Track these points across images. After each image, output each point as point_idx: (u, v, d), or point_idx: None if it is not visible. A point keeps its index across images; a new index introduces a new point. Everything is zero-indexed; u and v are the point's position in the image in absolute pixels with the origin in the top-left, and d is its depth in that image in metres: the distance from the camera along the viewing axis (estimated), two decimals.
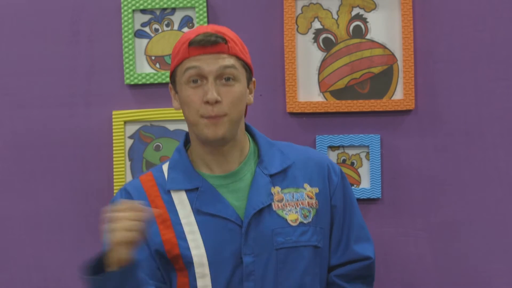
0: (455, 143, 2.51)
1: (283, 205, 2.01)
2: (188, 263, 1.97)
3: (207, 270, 1.97)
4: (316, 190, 2.04)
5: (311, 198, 2.03)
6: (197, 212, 1.99)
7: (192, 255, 1.97)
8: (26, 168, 2.64)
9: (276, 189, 2.01)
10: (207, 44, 1.94)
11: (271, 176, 2.01)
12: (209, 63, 1.94)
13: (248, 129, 2.10)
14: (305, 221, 2.01)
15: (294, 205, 2.01)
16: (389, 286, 2.54)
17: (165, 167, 2.06)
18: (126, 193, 2.03)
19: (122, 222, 1.80)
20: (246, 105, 2.04)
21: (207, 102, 1.92)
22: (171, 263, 2.00)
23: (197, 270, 1.97)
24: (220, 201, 1.99)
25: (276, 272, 1.98)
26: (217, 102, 1.92)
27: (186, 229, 1.98)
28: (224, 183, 2.01)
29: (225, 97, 1.94)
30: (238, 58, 1.97)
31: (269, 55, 2.55)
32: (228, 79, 1.95)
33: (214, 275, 1.97)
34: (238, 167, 2.02)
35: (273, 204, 2.00)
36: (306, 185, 2.04)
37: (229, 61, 1.95)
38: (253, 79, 2.06)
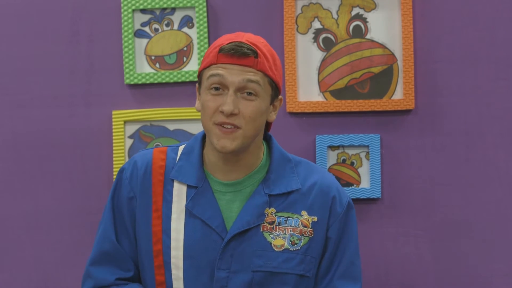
0: (455, 143, 2.51)
1: (273, 228, 1.97)
2: (166, 262, 1.97)
3: (181, 274, 1.96)
4: (314, 218, 2.00)
5: (305, 226, 1.99)
6: (188, 211, 1.98)
7: (171, 255, 1.97)
8: (26, 168, 2.64)
9: (270, 210, 1.98)
10: (236, 54, 1.91)
11: (271, 196, 1.98)
12: (233, 74, 1.91)
13: (268, 140, 2.06)
14: (291, 248, 1.97)
15: (285, 230, 1.98)
16: (389, 286, 2.54)
17: (180, 149, 2.05)
18: (135, 168, 2.03)
19: None
20: (270, 122, 2.02)
21: (222, 112, 1.90)
22: (152, 259, 1.99)
23: (173, 271, 1.97)
24: (213, 207, 1.97)
25: None
26: (232, 114, 1.90)
27: (173, 225, 1.98)
28: (223, 190, 1.99)
29: (243, 110, 1.91)
30: (265, 74, 1.94)
31: None
32: (250, 93, 1.92)
33: (188, 281, 1.96)
34: (242, 178, 1.99)
35: (262, 225, 1.97)
36: (303, 212, 2.00)
37: (254, 76, 1.92)
38: (280, 97, 2.02)
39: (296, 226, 1.98)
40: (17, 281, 2.65)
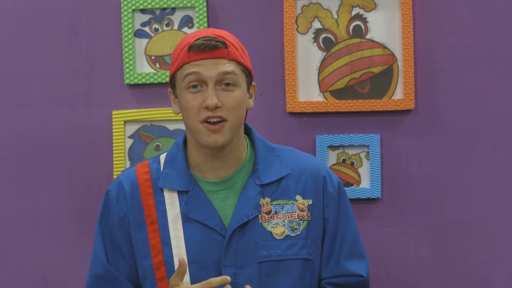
0: (455, 143, 2.51)
1: (270, 217, 1.98)
2: (170, 271, 1.96)
3: (188, 279, 1.96)
4: (309, 202, 2.01)
5: (302, 210, 2.00)
6: (184, 216, 1.98)
7: (175, 263, 1.96)
8: (26, 168, 2.64)
9: (265, 200, 1.98)
10: (207, 48, 1.92)
11: (262, 186, 1.99)
12: (209, 69, 1.92)
13: (249, 132, 2.07)
14: (292, 234, 1.98)
15: (283, 218, 1.98)
16: (389, 286, 2.54)
17: (162, 158, 2.05)
18: (121, 188, 2.02)
19: None
20: (246, 110, 2.03)
21: (207, 108, 1.91)
22: (153, 273, 1.98)
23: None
24: (208, 208, 1.97)
25: (260, 286, 1.96)
26: (216, 107, 1.91)
27: (172, 233, 1.98)
28: (215, 189, 1.99)
29: (225, 102, 1.92)
30: (238, 63, 1.95)
31: (269, 55, 2.55)
32: (228, 84, 1.93)
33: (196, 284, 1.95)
34: (231, 174, 2.00)
35: (260, 216, 1.97)
36: (298, 197, 2.00)
37: (229, 66, 1.93)
38: (253, 83, 2.03)
39: (293, 212, 1.99)
40: (17, 281, 2.65)
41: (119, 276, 2.02)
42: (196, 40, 1.92)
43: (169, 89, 2.02)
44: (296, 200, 2.00)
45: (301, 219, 1.99)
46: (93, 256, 2.05)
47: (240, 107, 1.94)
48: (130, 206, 2.00)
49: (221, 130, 1.92)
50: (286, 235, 1.98)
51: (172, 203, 1.99)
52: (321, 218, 2.02)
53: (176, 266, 1.95)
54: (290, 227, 1.99)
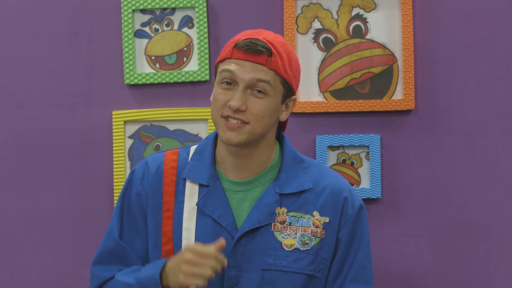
0: (455, 143, 2.51)
1: (283, 227, 1.97)
2: None
3: None
4: (325, 219, 1.99)
5: (317, 226, 1.98)
6: (199, 210, 1.98)
7: None
8: (26, 168, 2.64)
9: (282, 210, 1.98)
10: (250, 51, 1.90)
11: (282, 195, 1.98)
12: (244, 71, 1.90)
13: (281, 140, 2.06)
14: (302, 248, 1.97)
15: (296, 230, 1.97)
16: (389, 286, 2.54)
17: (192, 149, 2.06)
18: (146, 169, 2.03)
19: (204, 269, 1.84)
20: (285, 122, 2.03)
21: (230, 107, 1.91)
22: (160, 259, 1.98)
23: None
24: (224, 206, 1.97)
25: None
26: (239, 110, 1.90)
27: (185, 224, 1.98)
28: (235, 189, 1.99)
29: (251, 107, 1.91)
30: (277, 73, 1.93)
31: None
32: (259, 91, 1.91)
33: None
34: (253, 177, 1.99)
35: (273, 224, 1.97)
36: (315, 213, 1.99)
37: (265, 75, 1.91)
38: (294, 97, 2.01)
39: (307, 227, 1.98)
40: (17, 281, 2.65)
41: (130, 253, 2.02)
42: (245, 39, 1.92)
43: (214, 76, 2.01)
44: (313, 216, 1.99)
45: (314, 235, 1.98)
46: (107, 231, 2.05)
47: (266, 116, 1.92)
48: (151, 188, 2.01)
49: (239, 130, 1.91)
50: (295, 248, 1.97)
51: (191, 195, 1.99)
52: (334, 238, 2.00)
53: None
54: (301, 241, 1.98)
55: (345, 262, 2.01)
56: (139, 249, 2.03)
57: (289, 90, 1.97)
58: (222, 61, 1.95)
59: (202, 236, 1.96)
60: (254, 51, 1.90)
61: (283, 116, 2.00)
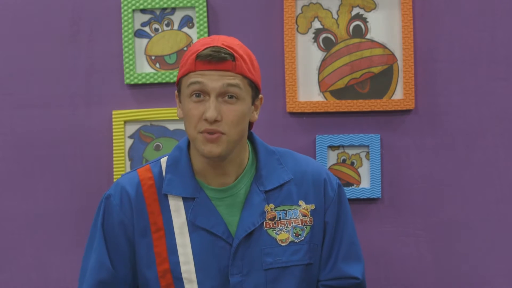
0: (455, 143, 2.51)
1: (275, 223, 1.98)
2: (176, 279, 1.96)
3: (196, 286, 1.96)
4: (312, 206, 2.01)
5: (305, 215, 2.00)
6: (191, 224, 1.97)
7: (182, 271, 1.95)
8: (26, 168, 2.64)
9: (269, 207, 1.98)
10: (214, 60, 1.89)
11: (266, 192, 1.99)
12: (213, 80, 1.89)
13: (250, 136, 2.06)
14: (296, 240, 1.98)
15: (286, 224, 1.99)
16: (389, 286, 2.54)
17: (163, 162, 2.03)
18: (124, 193, 2.00)
19: None
20: (251, 122, 2.02)
21: (206, 120, 1.89)
22: (158, 281, 1.97)
23: (186, 286, 1.95)
24: (214, 215, 1.96)
25: None
26: (216, 121, 1.89)
27: (178, 241, 1.96)
28: (219, 197, 1.98)
29: (226, 116, 1.90)
30: (244, 76, 1.92)
31: (269, 55, 2.55)
32: (231, 97, 1.90)
33: None
34: (234, 182, 1.99)
35: (264, 223, 1.97)
36: (301, 202, 2.01)
37: (234, 80, 1.90)
38: (260, 96, 2.01)
39: (296, 217, 2.00)
40: (17, 281, 2.65)
41: (122, 283, 2.00)
42: (204, 49, 1.90)
43: (176, 92, 2.00)
44: (299, 205, 2.00)
45: (304, 225, 2.00)
46: (95, 261, 2.00)
47: (241, 122, 1.92)
48: (135, 212, 1.98)
49: (218, 141, 1.90)
50: (290, 241, 1.98)
51: (177, 210, 1.98)
52: (322, 222, 2.02)
53: (184, 274, 1.95)
54: (294, 233, 1.99)
55: (334, 242, 2.04)
56: (127, 277, 2.00)
57: (256, 90, 1.98)
58: (185, 75, 1.93)
59: (199, 249, 1.96)
60: (218, 59, 1.89)
61: (254, 117, 2.00)
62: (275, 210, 1.99)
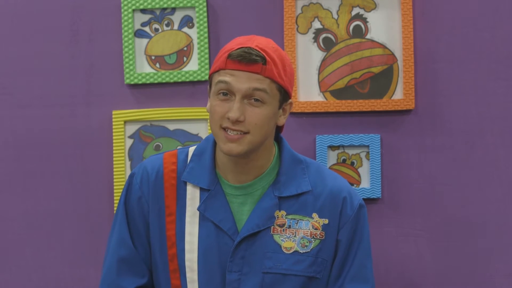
0: (455, 143, 2.51)
1: (283, 230, 1.98)
2: (181, 265, 1.98)
3: (196, 276, 1.97)
4: (325, 221, 2.00)
5: (316, 228, 1.99)
6: (202, 214, 1.98)
7: (186, 259, 1.97)
8: (26, 168, 2.64)
9: (281, 213, 1.98)
10: (244, 61, 1.89)
11: (280, 198, 1.98)
12: (240, 82, 1.90)
13: (279, 142, 2.06)
14: (301, 251, 1.98)
15: (295, 233, 1.98)
16: (389, 286, 2.54)
17: (191, 151, 2.05)
18: (145, 173, 2.03)
19: None
20: (281, 126, 2.02)
21: (229, 119, 1.90)
22: (167, 264, 1.99)
23: (188, 274, 1.98)
24: (225, 210, 1.98)
25: None
26: (238, 121, 1.90)
27: (187, 228, 1.98)
28: (234, 193, 2.00)
29: (249, 117, 1.90)
30: (273, 81, 1.92)
31: None
32: (256, 100, 1.91)
33: (202, 284, 1.97)
34: (252, 181, 1.99)
35: (272, 227, 1.97)
36: (314, 215, 1.99)
37: (261, 83, 1.90)
38: (290, 101, 2.01)
39: (307, 229, 1.99)
40: (17, 281, 2.65)
41: (141, 261, 2.03)
42: (237, 49, 1.90)
43: (208, 86, 2.01)
44: (312, 218, 1.99)
45: (313, 237, 1.99)
46: (117, 238, 2.03)
47: (264, 125, 1.92)
48: (152, 193, 2.01)
49: (239, 140, 1.91)
50: (295, 251, 1.98)
51: (193, 198, 2.00)
52: (334, 239, 2.01)
53: (187, 262, 1.97)
54: (301, 243, 1.98)
55: (345, 262, 2.02)
56: (144, 255, 2.03)
57: (285, 95, 1.97)
58: (216, 71, 1.94)
59: (205, 240, 1.97)
60: (248, 60, 1.89)
61: (281, 121, 2.00)
62: (286, 217, 1.98)
